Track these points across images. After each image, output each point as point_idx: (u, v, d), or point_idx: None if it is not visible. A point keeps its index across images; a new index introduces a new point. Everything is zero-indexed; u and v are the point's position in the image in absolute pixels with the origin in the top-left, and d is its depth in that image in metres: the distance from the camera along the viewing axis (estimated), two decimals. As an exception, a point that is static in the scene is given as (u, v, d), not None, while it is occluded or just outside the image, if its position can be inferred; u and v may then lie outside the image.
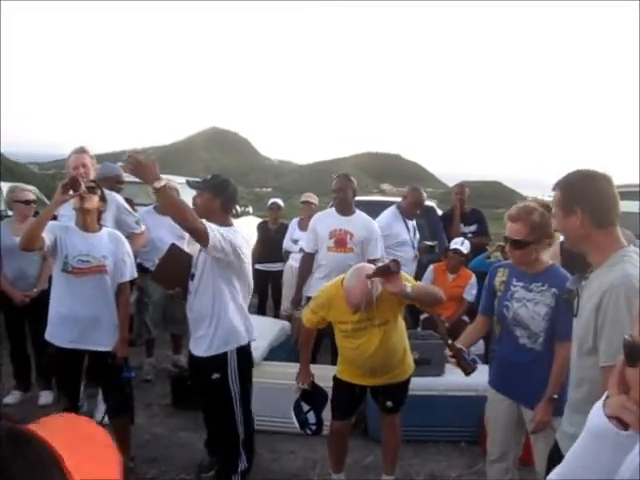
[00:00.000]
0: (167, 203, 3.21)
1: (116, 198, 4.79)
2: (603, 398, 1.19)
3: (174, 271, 3.72)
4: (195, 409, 4.76)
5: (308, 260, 5.42)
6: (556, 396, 2.91)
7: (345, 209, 5.27)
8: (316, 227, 5.33)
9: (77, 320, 3.73)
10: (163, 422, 4.93)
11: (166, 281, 3.89)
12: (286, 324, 5.97)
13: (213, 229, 3.28)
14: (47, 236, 3.62)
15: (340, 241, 5.21)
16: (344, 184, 5.25)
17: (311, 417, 3.98)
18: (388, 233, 5.64)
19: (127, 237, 4.57)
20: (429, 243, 6.31)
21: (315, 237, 5.31)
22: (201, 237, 3.23)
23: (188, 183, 4.32)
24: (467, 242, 6.14)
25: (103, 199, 3.89)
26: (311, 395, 3.95)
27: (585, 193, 2.27)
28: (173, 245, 4.02)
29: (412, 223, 6.05)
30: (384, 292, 3.47)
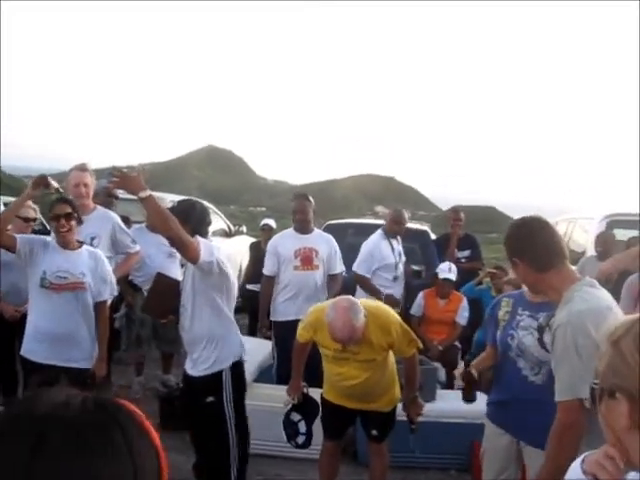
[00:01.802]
0: (153, 212, 3.22)
1: (111, 216, 4.80)
2: (585, 454, 1.23)
3: (164, 300, 3.72)
4: (183, 430, 4.72)
5: (270, 283, 5.43)
6: None
7: (306, 228, 5.37)
8: (277, 249, 5.37)
9: (53, 336, 3.71)
10: (150, 443, 4.86)
11: (157, 311, 3.90)
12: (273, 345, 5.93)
13: (199, 242, 3.28)
14: (22, 243, 3.68)
15: (306, 259, 5.27)
16: (304, 205, 5.37)
17: (302, 427, 3.96)
18: (375, 255, 5.71)
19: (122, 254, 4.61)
20: (415, 268, 6.30)
21: (276, 259, 5.34)
22: (188, 250, 3.21)
23: None
24: (454, 267, 6.16)
25: (79, 222, 3.91)
26: (302, 407, 3.93)
27: (518, 243, 2.40)
28: (158, 274, 4.03)
29: (397, 244, 6.06)
30: (373, 335, 3.45)
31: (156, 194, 7.20)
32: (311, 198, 5.52)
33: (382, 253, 5.77)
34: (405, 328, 3.64)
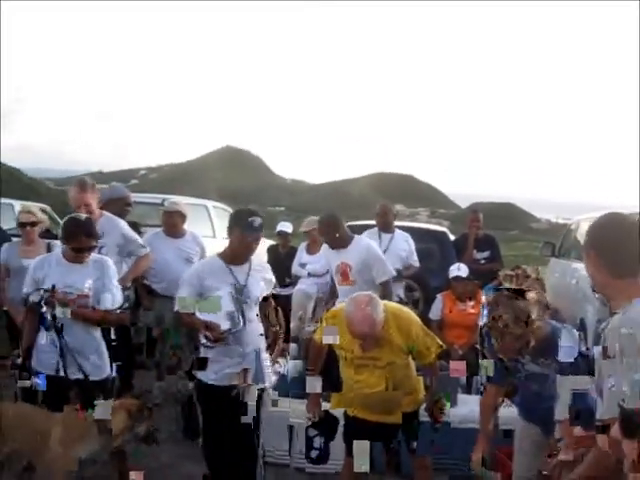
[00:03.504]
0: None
1: (118, 223, 4.82)
2: None
3: None
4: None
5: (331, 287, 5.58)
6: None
7: (338, 246, 5.27)
8: (329, 261, 5.49)
9: (62, 349, 3.69)
10: (170, 449, 4.83)
11: None
12: (292, 346, 5.93)
13: None
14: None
15: (343, 274, 5.25)
16: (326, 230, 5.31)
17: (316, 442, 3.92)
18: None
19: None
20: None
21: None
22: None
23: None
24: (463, 266, 6.08)
25: (95, 238, 3.88)
26: (321, 422, 3.86)
27: (602, 238, 2.18)
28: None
29: (389, 236, 6.23)
30: (393, 335, 3.43)
31: (173, 197, 7.26)
32: (336, 215, 5.47)
33: None
34: (427, 331, 3.63)
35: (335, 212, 5.70)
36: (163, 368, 5.99)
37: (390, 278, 5.22)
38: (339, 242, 5.26)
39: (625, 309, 2.05)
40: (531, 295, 2.97)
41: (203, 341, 3.67)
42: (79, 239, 3.73)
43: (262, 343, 3.90)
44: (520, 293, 2.96)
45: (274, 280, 4.11)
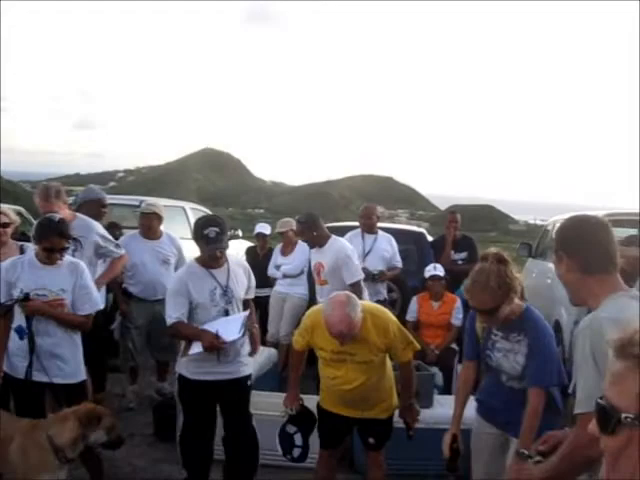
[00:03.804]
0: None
1: (96, 228, 4.76)
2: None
3: None
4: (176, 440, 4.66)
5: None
6: (526, 452, 2.78)
7: (315, 245, 5.42)
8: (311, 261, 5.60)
9: (35, 353, 3.63)
10: (145, 453, 4.79)
11: None
12: (272, 351, 5.88)
13: None
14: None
15: (318, 274, 5.38)
16: (303, 229, 5.43)
17: (297, 439, 3.90)
18: None
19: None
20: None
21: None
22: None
23: None
24: (439, 265, 6.13)
25: (67, 238, 3.81)
26: (299, 418, 3.86)
27: (571, 238, 2.22)
28: None
29: (373, 241, 6.29)
30: (370, 334, 3.45)
31: (149, 199, 7.20)
32: (313, 215, 5.53)
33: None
34: (403, 331, 3.64)
35: (314, 212, 5.74)
36: (135, 372, 5.93)
37: (359, 280, 5.24)
38: (317, 241, 5.38)
39: (598, 309, 2.08)
40: (517, 274, 3.01)
41: (197, 350, 3.69)
42: (51, 239, 3.67)
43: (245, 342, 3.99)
44: (507, 265, 2.98)
45: (253, 285, 4.10)
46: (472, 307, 3.07)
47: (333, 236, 5.46)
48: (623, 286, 2.16)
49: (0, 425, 3.33)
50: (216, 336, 3.62)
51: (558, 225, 2.32)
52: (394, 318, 3.67)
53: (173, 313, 3.73)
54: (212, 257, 3.80)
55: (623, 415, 1.07)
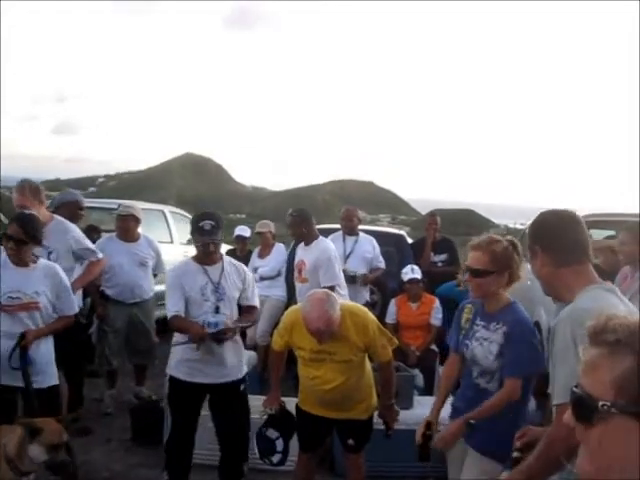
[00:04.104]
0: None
1: (67, 227, 4.67)
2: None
3: None
4: (155, 444, 4.60)
5: None
6: (473, 421, 2.86)
7: (303, 241, 5.50)
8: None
9: (3, 357, 3.56)
10: (122, 458, 4.73)
11: None
12: (252, 354, 5.84)
13: None
14: None
15: (299, 271, 5.41)
16: (294, 222, 5.48)
17: (279, 445, 3.85)
18: None
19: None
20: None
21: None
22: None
23: None
24: (416, 267, 6.14)
25: (37, 243, 3.79)
26: (279, 421, 3.81)
27: (544, 231, 2.25)
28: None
29: (354, 243, 6.34)
30: (350, 332, 3.44)
31: (127, 202, 7.13)
32: (306, 211, 5.68)
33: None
34: (382, 330, 3.65)
35: (307, 210, 5.78)
36: (113, 376, 5.85)
37: (334, 285, 5.17)
38: (304, 238, 5.46)
39: (574, 301, 2.08)
40: (521, 274, 3.00)
41: (181, 339, 3.83)
42: (11, 226, 3.66)
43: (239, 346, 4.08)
44: (518, 252, 2.98)
45: (250, 290, 4.08)
46: (466, 266, 3.01)
47: (321, 237, 5.52)
48: (597, 279, 2.18)
49: None
50: (202, 326, 3.74)
51: (531, 221, 2.33)
52: (373, 317, 3.66)
53: (171, 307, 3.83)
54: (205, 249, 3.86)
55: (600, 403, 1.05)
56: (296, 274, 5.47)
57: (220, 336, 3.76)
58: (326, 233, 6.27)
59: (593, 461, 1.06)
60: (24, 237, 3.65)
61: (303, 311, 3.39)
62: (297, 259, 5.53)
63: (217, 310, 3.85)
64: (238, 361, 4.01)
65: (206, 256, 3.90)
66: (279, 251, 6.91)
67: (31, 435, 3.03)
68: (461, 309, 3.22)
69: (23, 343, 3.56)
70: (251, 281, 4.13)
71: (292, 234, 5.65)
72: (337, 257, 5.50)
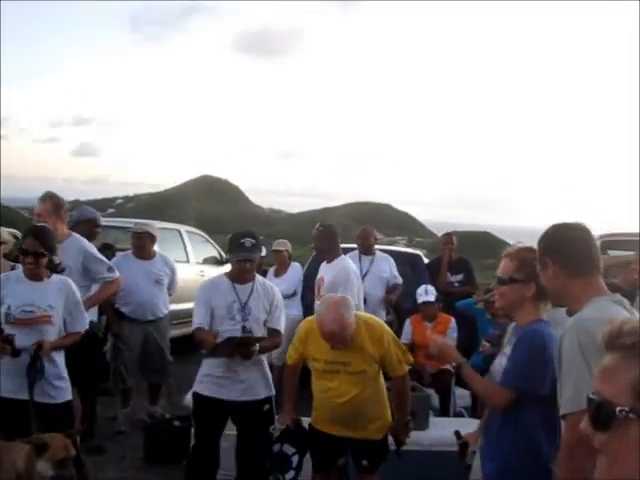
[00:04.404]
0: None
1: (83, 245, 4.62)
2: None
3: None
4: (167, 463, 4.57)
5: None
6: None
7: (325, 257, 5.48)
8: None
9: (19, 371, 3.55)
10: (135, 476, 4.71)
11: None
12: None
13: None
14: None
15: (318, 289, 5.36)
16: (320, 236, 5.49)
17: (294, 461, 3.76)
18: None
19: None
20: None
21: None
22: None
23: None
24: (431, 288, 6.09)
25: (45, 245, 3.74)
26: (294, 436, 3.74)
27: (555, 243, 2.25)
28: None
29: (370, 259, 6.37)
30: (365, 342, 3.42)
31: (143, 221, 7.14)
32: (332, 227, 5.72)
33: None
34: (398, 343, 3.64)
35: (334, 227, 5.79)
36: (127, 394, 5.83)
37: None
38: (327, 253, 5.46)
39: (580, 311, 2.09)
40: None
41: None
42: (26, 240, 3.67)
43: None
44: None
45: (277, 313, 4.02)
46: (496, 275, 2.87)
47: (343, 256, 5.51)
48: (606, 290, 2.19)
49: None
50: (215, 336, 3.76)
51: (542, 233, 2.34)
52: (389, 329, 3.66)
53: (196, 320, 3.85)
54: (242, 267, 3.86)
55: (617, 409, 1.02)
56: (315, 291, 5.44)
57: (244, 346, 3.72)
58: (342, 252, 6.26)
59: (612, 470, 1.03)
60: (42, 249, 3.66)
61: (318, 315, 3.39)
62: (318, 276, 5.50)
63: (243, 330, 3.84)
64: (262, 380, 3.96)
65: (240, 274, 3.90)
66: (295, 270, 6.89)
67: (38, 451, 3.03)
68: (504, 329, 3.17)
69: (40, 353, 3.54)
70: (279, 304, 4.04)
71: (315, 248, 5.66)
72: (358, 277, 5.48)
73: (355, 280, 5.36)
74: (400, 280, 6.43)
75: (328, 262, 5.43)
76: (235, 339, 3.75)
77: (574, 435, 1.91)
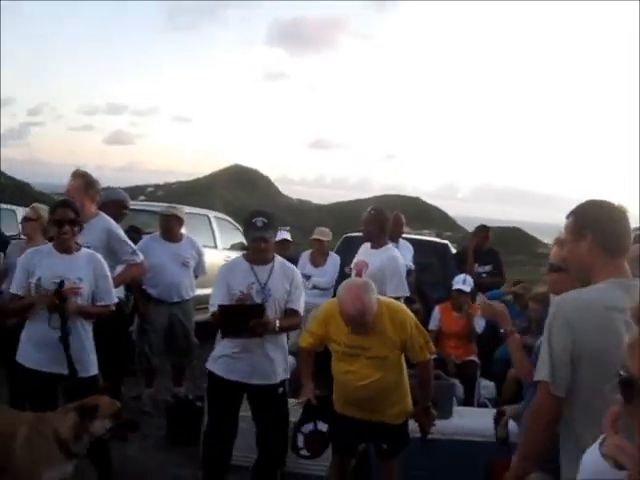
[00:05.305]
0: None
1: (109, 225, 4.58)
2: (600, 439, 1.16)
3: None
4: (190, 444, 4.59)
5: None
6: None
7: (371, 241, 5.33)
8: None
9: (48, 343, 3.57)
10: (157, 456, 4.74)
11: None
12: (290, 359, 5.80)
13: None
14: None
15: (358, 272, 5.12)
16: (370, 219, 5.32)
17: (322, 426, 3.70)
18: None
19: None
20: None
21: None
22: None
23: None
24: (469, 279, 6.02)
25: (80, 227, 3.80)
26: (320, 409, 3.69)
27: (598, 219, 2.21)
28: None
29: (395, 245, 6.07)
30: (387, 327, 3.39)
31: (172, 205, 7.13)
32: (385, 212, 5.55)
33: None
34: (421, 329, 3.56)
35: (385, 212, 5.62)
36: (152, 375, 5.87)
37: (402, 296, 5.02)
38: (375, 238, 5.29)
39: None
40: None
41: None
42: (57, 211, 3.71)
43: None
44: None
45: (297, 293, 3.91)
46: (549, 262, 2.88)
47: (391, 244, 5.41)
48: (626, 272, 2.18)
49: (2, 419, 3.29)
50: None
51: (579, 206, 2.29)
52: (412, 315, 3.59)
53: (214, 302, 3.74)
54: (256, 246, 3.76)
55: None
56: (353, 274, 5.15)
57: (250, 317, 3.61)
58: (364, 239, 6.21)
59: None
60: (75, 217, 3.70)
61: (339, 298, 3.35)
62: (357, 258, 5.33)
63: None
64: (278, 364, 3.85)
65: (256, 254, 3.79)
66: (334, 263, 6.68)
67: (90, 414, 3.22)
68: (530, 320, 3.15)
69: (65, 310, 3.54)
70: (299, 284, 3.95)
71: (364, 231, 5.48)
72: (404, 268, 5.39)
73: (402, 270, 5.27)
74: (413, 267, 6.31)
75: (374, 247, 5.27)
76: (228, 307, 3.63)
77: (537, 400, 2.13)
